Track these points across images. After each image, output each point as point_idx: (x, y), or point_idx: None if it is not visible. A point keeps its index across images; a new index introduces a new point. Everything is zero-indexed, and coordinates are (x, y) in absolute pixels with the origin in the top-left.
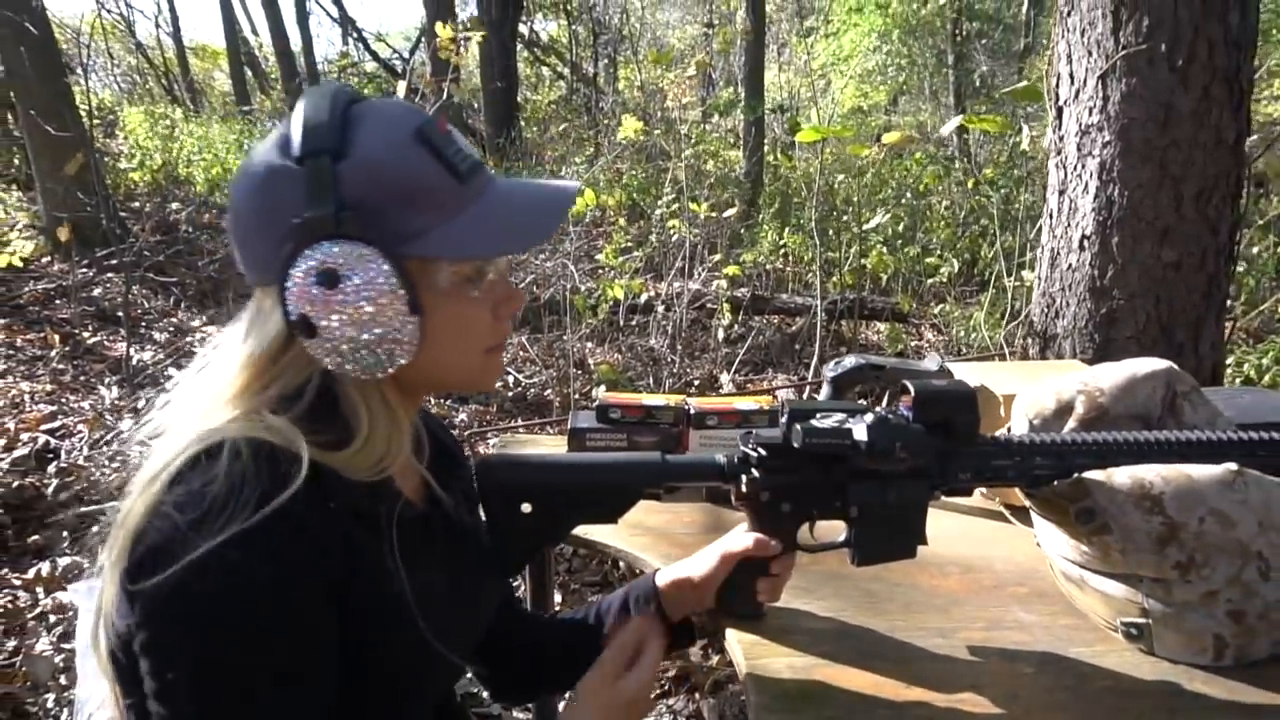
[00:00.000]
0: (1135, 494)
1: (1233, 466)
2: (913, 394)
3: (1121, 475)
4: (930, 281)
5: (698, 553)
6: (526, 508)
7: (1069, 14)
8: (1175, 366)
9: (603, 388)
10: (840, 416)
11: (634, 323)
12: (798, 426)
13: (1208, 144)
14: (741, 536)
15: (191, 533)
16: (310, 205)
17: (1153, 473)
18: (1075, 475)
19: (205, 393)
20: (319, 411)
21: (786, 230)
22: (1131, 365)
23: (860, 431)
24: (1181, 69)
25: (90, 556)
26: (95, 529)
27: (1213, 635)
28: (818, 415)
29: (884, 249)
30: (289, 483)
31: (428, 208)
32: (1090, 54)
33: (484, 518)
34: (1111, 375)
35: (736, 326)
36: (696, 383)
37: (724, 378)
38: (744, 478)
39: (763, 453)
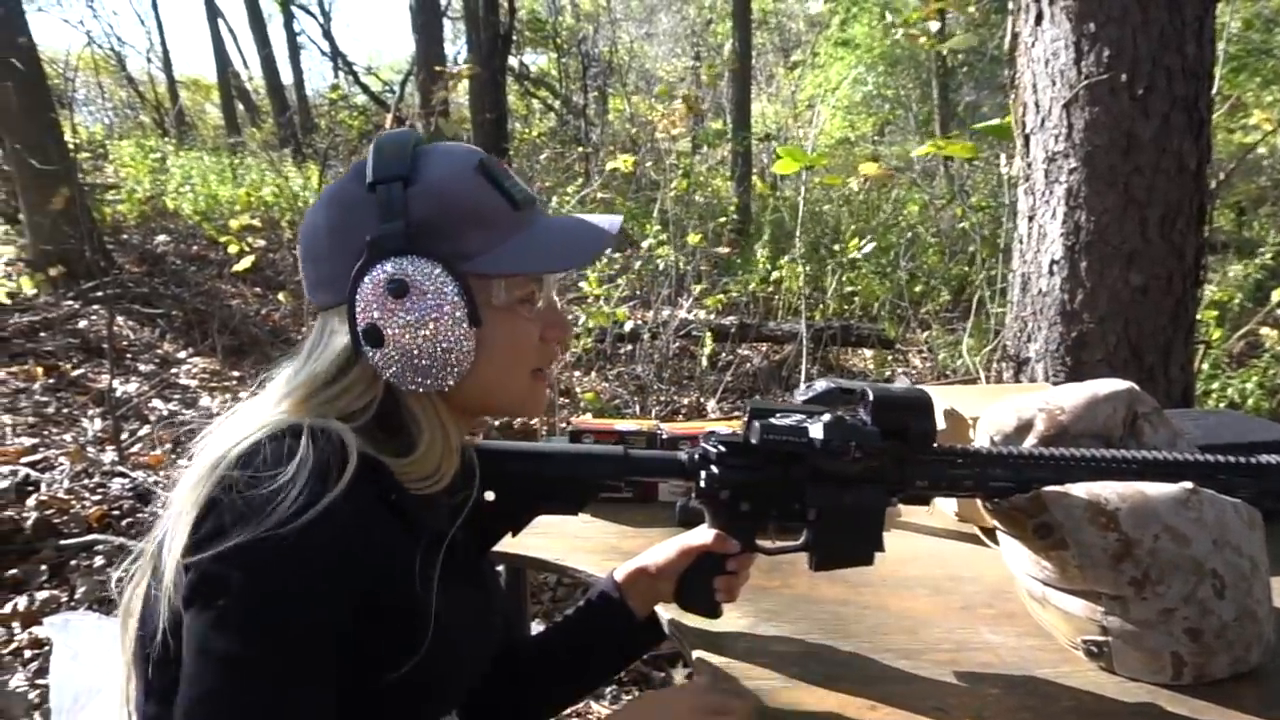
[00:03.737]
0: (1091, 510)
1: (1188, 485)
2: (870, 398)
3: (1078, 491)
4: (923, 310)
5: (658, 544)
6: (490, 496)
7: (1033, 45)
8: (1136, 387)
9: (588, 415)
10: (799, 417)
11: (621, 351)
12: (756, 424)
13: (1170, 170)
14: (702, 532)
15: (245, 524)
16: (382, 224)
17: (1109, 490)
18: (1033, 490)
19: (263, 405)
20: (384, 426)
21: (778, 259)
22: (1093, 385)
23: (816, 430)
24: (1142, 98)
25: (68, 590)
26: (74, 562)
27: (1171, 654)
28: (777, 415)
29: (873, 277)
30: (339, 481)
31: (486, 230)
32: (1054, 83)
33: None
34: (1072, 395)
35: (725, 355)
36: (684, 411)
37: (710, 405)
38: (703, 474)
39: (722, 449)
